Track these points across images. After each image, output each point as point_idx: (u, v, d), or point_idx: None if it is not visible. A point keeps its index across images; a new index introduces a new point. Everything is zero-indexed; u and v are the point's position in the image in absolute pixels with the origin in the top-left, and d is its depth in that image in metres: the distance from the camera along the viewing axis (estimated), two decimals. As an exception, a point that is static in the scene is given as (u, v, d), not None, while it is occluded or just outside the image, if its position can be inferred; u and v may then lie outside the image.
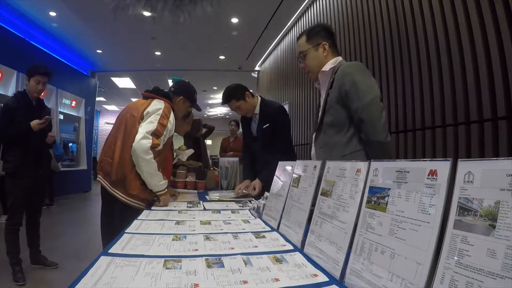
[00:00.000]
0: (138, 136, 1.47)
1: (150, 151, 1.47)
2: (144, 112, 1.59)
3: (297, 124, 4.96)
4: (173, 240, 0.95)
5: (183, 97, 1.84)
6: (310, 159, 1.43)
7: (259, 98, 2.16)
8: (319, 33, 1.46)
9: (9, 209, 2.49)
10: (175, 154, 3.00)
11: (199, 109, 2.03)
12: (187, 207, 1.56)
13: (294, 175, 1.12)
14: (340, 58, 1.45)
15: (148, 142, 1.46)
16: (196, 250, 0.86)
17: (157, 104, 1.62)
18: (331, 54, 1.46)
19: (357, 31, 3.18)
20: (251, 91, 2.15)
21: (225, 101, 2.12)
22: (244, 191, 1.93)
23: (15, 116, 2.42)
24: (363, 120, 1.25)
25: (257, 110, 2.12)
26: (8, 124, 2.40)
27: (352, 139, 1.31)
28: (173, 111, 1.70)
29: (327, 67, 1.42)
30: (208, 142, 18.21)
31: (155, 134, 1.51)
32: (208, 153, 4.73)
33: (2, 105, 4.79)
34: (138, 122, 1.56)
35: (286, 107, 5.33)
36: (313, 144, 1.48)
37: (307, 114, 4.57)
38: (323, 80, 1.44)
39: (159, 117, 1.55)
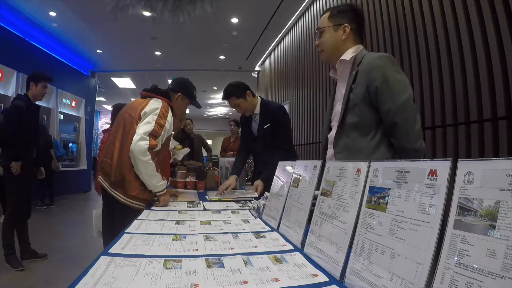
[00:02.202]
0: (135, 138, 1.46)
1: (148, 152, 1.46)
2: (142, 112, 1.57)
3: (297, 124, 4.96)
4: (173, 240, 0.95)
5: (181, 93, 1.81)
6: (311, 158, 1.40)
7: (259, 98, 2.17)
8: (344, 13, 1.27)
9: (10, 206, 2.65)
10: (171, 153, 3.00)
11: (199, 106, 1.98)
12: (187, 207, 1.56)
13: (294, 175, 1.12)
14: (361, 47, 1.27)
15: (145, 144, 1.45)
16: (196, 250, 0.86)
17: (155, 104, 1.61)
18: (352, 40, 1.27)
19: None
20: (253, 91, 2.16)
21: (225, 97, 2.13)
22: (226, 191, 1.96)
23: (23, 120, 2.63)
24: (396, 123, 1.09)
25: (257, 110, 2.13)
26: (18, 127, 2.60)
27: (380, 145, 1.15)
28: (172, 109, 1.69)
29: (347, 55, 1.23)
30: (209, 142, 18.24)
31: (153, 135, 1.50)
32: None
33: (2, 105, 4.82)
34: (136, 123, 1.55)
35: (286, 107, 5.33)
36: (330, 146, 1.29)
37: (307, 114, 4.57)
38: (342, 69, 1.27)
39: (156, 117, 1.54)
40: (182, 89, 1.82)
